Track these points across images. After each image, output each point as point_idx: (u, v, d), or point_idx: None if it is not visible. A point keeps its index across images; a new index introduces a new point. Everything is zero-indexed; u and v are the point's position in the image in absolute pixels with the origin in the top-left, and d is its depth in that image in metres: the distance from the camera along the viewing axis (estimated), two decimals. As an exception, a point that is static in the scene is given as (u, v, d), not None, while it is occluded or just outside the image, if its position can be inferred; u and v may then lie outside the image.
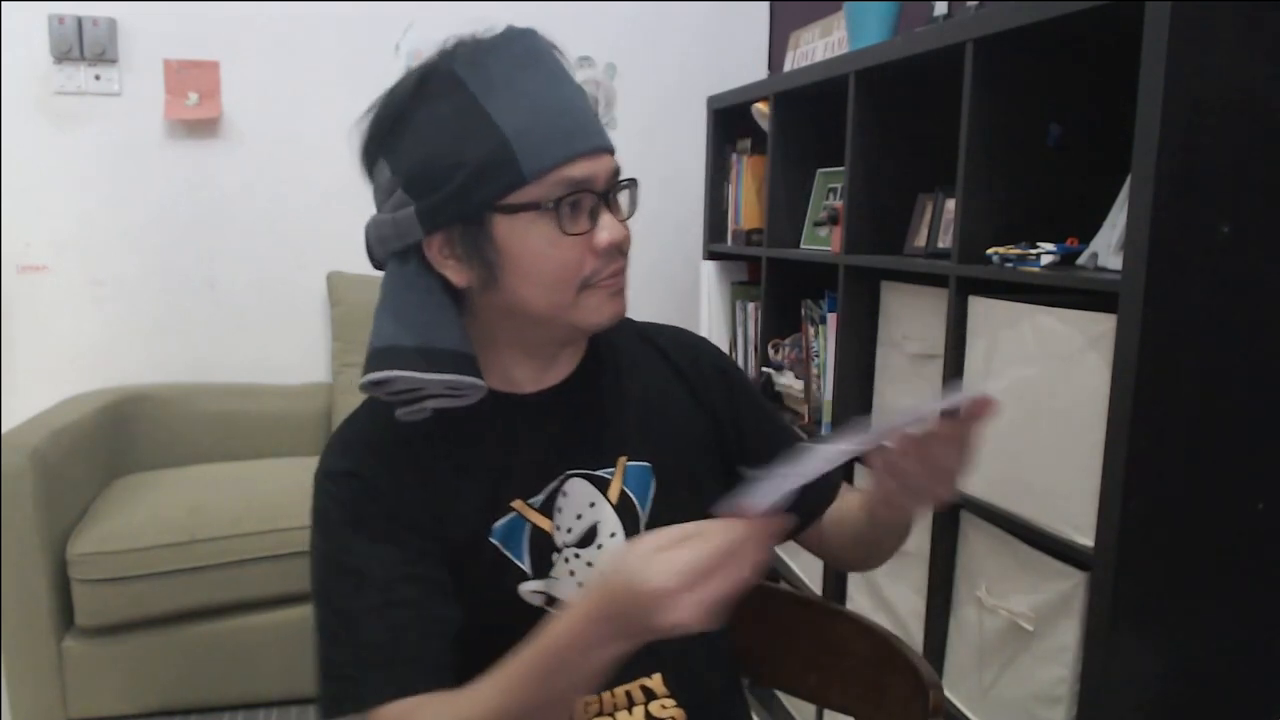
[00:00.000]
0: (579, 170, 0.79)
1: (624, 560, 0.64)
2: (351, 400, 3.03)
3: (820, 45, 2.41)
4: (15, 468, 1.90)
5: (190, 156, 2.67)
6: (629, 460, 0.91)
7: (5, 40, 2.50)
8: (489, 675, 0.74)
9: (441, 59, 0.80)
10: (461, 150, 0.78)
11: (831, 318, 1.93)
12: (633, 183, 0.86)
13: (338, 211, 2.77)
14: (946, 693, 1.51)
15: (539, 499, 0.88)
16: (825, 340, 2.00)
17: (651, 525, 0.90)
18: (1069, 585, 1.26)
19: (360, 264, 2.83)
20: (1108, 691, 1.17)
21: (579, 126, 0.80)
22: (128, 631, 2.05)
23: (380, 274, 0.88)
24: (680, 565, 0.61)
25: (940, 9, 1.81)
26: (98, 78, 2.57)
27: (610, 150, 0.83)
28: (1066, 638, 1.26)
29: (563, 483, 0.89)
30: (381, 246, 0.85)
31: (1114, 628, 1.15)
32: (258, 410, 2.64)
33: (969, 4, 1.66)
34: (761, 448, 1.00)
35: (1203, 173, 1.09)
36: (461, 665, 0.81)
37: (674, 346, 1.00)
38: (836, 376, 1.90)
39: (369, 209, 0.89)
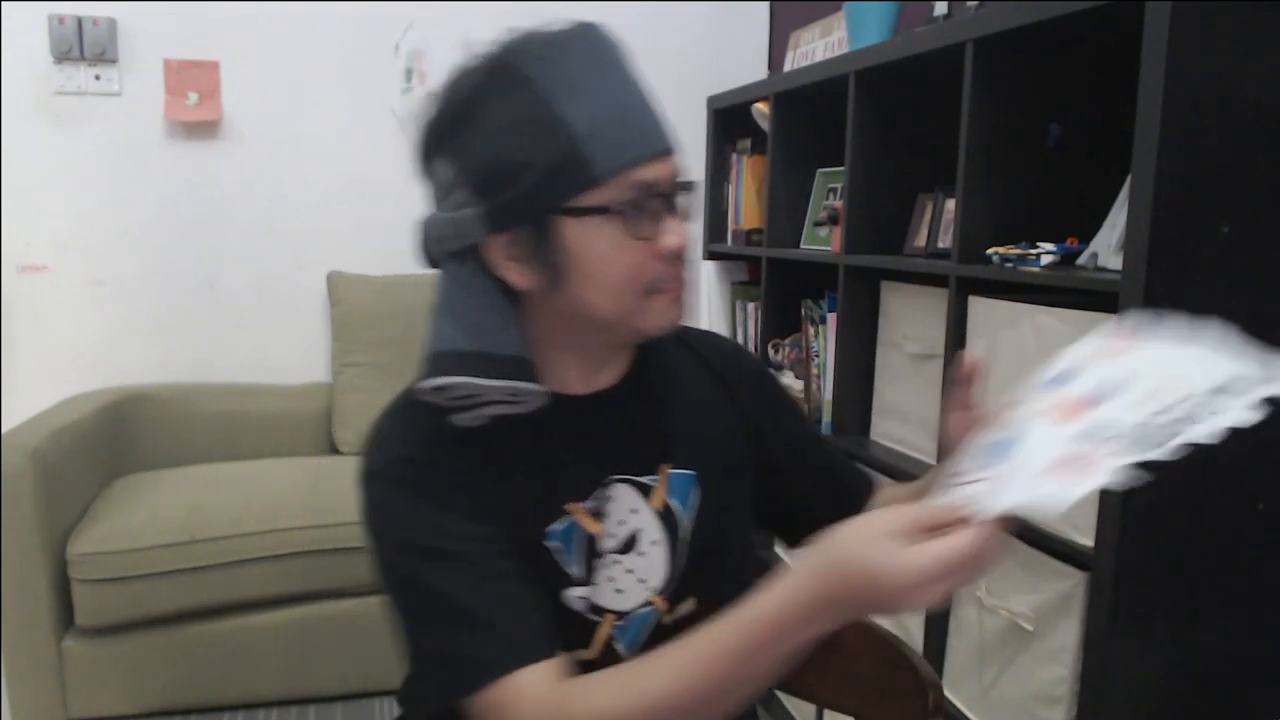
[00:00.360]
0: (648, 173, 0.77)
1: (861, 547, 0.62)
2: (352, 400, 3.02)
3: (820, 45, 2.41)
4: (15, 468, 1.90)
5: (190, 156, 2.67)
6: (672, 468, 0.90)
7: (5, 40, 2.50)
8: (670, 650, 0.71)
9: (507, 54, 0.78)
10: (529, 150, 0.75)
11: (831, 318, 1.93)
12: (692, 186, 0.84)
13: (338, 211, 2.78)
14: (946, 693, 1.51)
15: (588, 503, 0.86)
16: (825, 340, 2.00)
17: (695, 535, 0.89)
18: (1069, 585, 1.26)
19: (360, 264, 2.82)
20: (1107, 691, 1.17)
21: (649, 127, 0.79)
22: (128, 631, 2.05)
23: (409, 270, 0.88)
24: (930, 560, 0.59)
25: (940, 9, 1.81)
26: (98, 78, 2.57)
27: (675, 152, 0.81)
28: (1066, 638, 1.26)
29: (608, 488, 0.87)
30: (438, 246, 0.83)
31: (1114, 628, 1.15)
32: (258, 410, 2.64)
33: (969, 4, 1.66)
34: (797, 456, 1.00)
35: (1203, 172, 1.09)
36: None
37: (713, 352, 0.99)
38: (836, 376, 1.90)
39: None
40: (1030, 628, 1.32)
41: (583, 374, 0.88)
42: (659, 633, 0.86)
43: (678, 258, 0.81)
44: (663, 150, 0.79)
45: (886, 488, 1.05)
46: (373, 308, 2.67)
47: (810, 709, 1.13)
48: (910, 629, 1.64)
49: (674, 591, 0.88)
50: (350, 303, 2.69)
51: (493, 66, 0.78)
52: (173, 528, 2.05)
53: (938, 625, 1.54)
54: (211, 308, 2.74)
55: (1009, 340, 1.37)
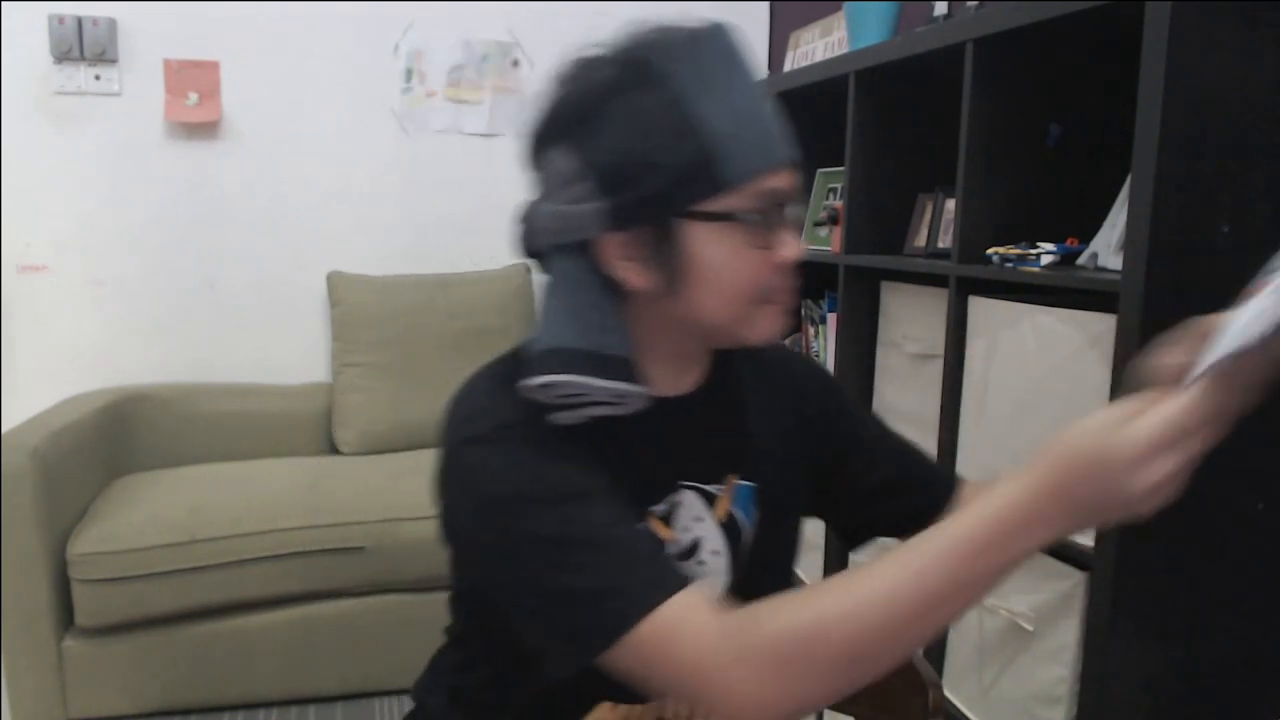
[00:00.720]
0: (774, 182, 0.77)
1: (1085, 434, 0.61)
2: (351, 400, 3.00)
3: (820, 45, 2.41)
4: (15, 468, 1.90)
5: (190, 156, 2.67)
6: (739, 479, 0.89)
7: (5, 40, 2.50)
8: (885, 557, 0.65)
9: (643, 48, 0.76)
10: (662, 150, 0.73)
11: (831, 318, 1.93)
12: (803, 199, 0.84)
13: (338, 212, 2.78)
14: (946, 692, 1.50)
15: (660, 508, 0.85)
16: (825, 340, 2.00)
17: (756, 548, 0.88)
18: (1069, 585, 1.26)
19: (360, 264, 2.82)
20: (1107, 691, 1.17)
21: (777, 135, 0.77)
22: (128, 631, 2.05)
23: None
24: (1153, 426, 0.58)
25: (940, 9, 1.81)
26: (98, 78, 2.57)
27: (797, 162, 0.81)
28: (1066, 637, 1.26)
29: (677, 494, 0.86)
30: (546, 237, 0.80)
31: (1114, 628, 1.15)
32: (258, 410, 2.64)
33: (969, 4, 1.66)
34: (867, 460, 0.98)
35: (1203, 172, 1.09)
36: (537, 683, 0.78)
37: (777, 360, 0.98)
38: (836, 376, 1.90)
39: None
40: (1030, 627, 1.32)
41: (669, 377, 0.86)
42: None
43: (790, 269, 0.81)
44: (788, 160, 0.78)
45: (970, 484, 1.01)
46: (372, 308, 2.67)
47: (810, 709, 1.13)
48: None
49: (734, 597, 0.85)
50: (350, 303, 2.69)
51: (627, 60, 0.75)
52: (173, 528, 2.05)
53: (938, 625, 1.54)
54: (211, 308, 2.74)
55: (1009, 340, 1.37)
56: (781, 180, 0.77)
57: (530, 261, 0.84)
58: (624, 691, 0.77)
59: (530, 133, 0.80)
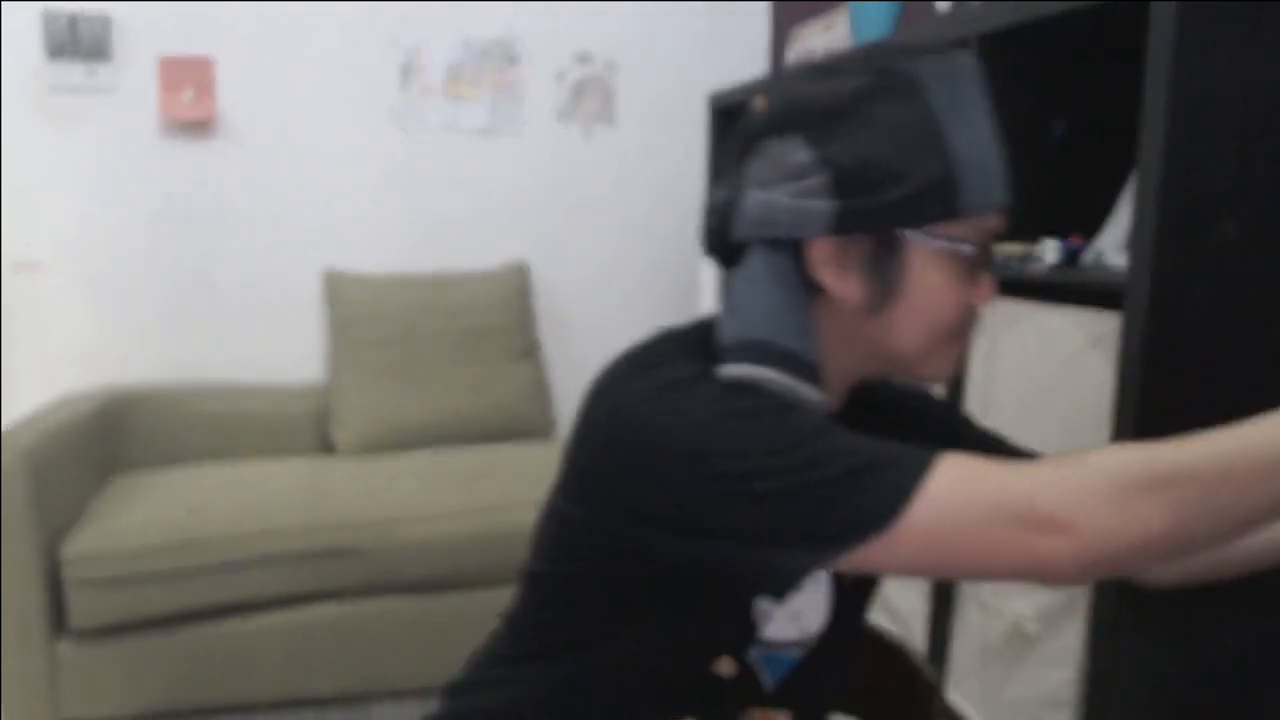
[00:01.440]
0: (995, 222, 0.76)
1: None
2: (348, 400, 2.98)
3: (822, 41, 2.39)
4: (8, 468, 1.89)
5: (186, 154, 2.66)
6: None
7: (2, 37, 2.49)
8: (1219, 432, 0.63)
9: (902, 60, 0.74)
10: (910, 163, 0.72)
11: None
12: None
13: (335, 209, 2.77)
14: (951, 696, 1.49)
15: None
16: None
17: (856, 579, 0.87)
18: (1073, 588, 1.24)
19: (357, 263, 2.80)
20: (1112, 694, 1.16)
21: (1006, 176, 0.76)
22: (122, 634, 2.04)
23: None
24: None
25: (943, 6, 1.79)
26: (92, 74, 2.55)
27: None
28: (1070, 640, 1.25)
29: None
30: (753, 228, 0.77)
31: (1118, 630, 1.14)
32: (255, 410, 2.63)
33: (972, 0, 1.65)
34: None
35: (1208, 170, 1.07)
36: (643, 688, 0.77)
37: (891, 393, 0.95)
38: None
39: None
40: (1034, 630, 1.31)
41: (831, 394, 0.82)
42: (802, 669, 0.85)
43: (980, 312, 0.80)
44: (1008, 204, 0.77)
45: None
46: (369, 307, 2.66)
47: (811, 713, 1.12)
48: (914, 632, 1.63)
49: (827, 634, 0.85)
50: (347, 302, 2.67)
51: (888, 69, 0.73)
52: (168, 529, 2.03)
53: (941, 628, 1.53)
54: (208, 306, 2.72)
55: (1011, 339, 1.35)
56: (999, 222, 0.77)
57: (711, 254, 0.81)
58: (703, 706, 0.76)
59: (757, 117, 0.77)
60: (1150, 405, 1.09)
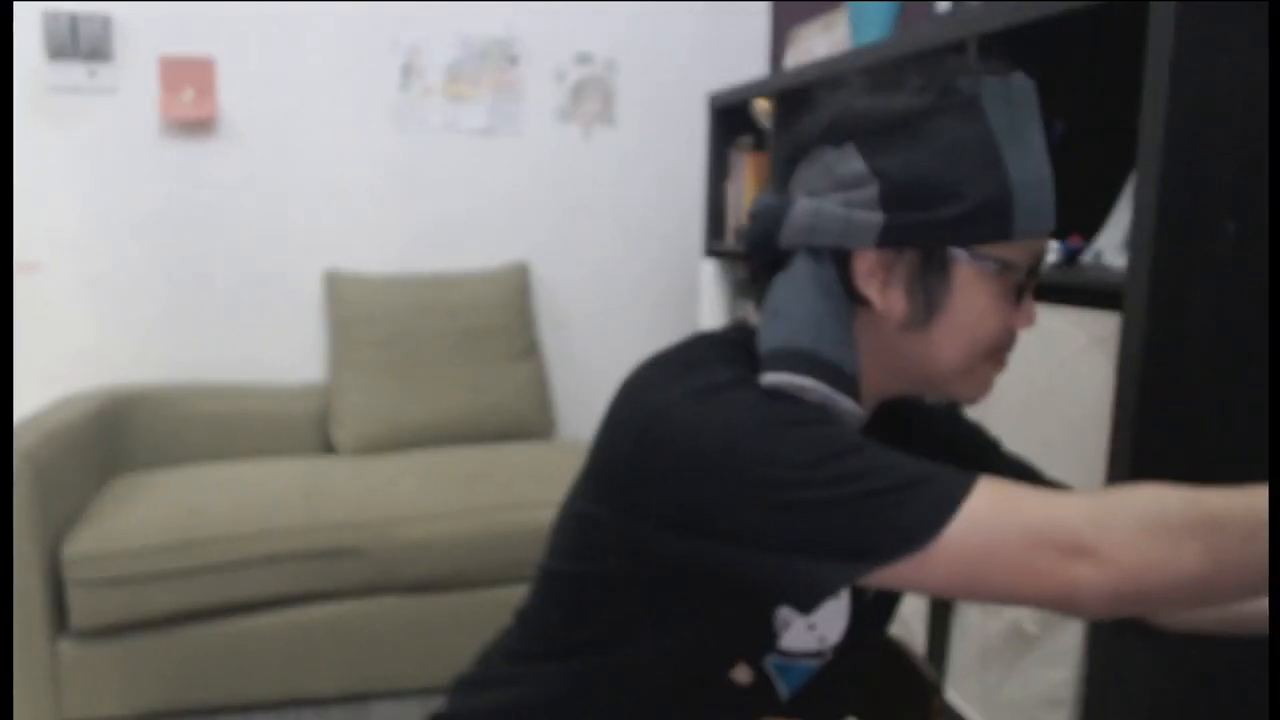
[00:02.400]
0: (1042, 245, 0.77)
1: None
2: (348, 400, 2.98)
3: (822, 42, 2.39)
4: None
5: (186, 154, 2.66)
6: None
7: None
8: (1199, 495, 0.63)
9: (966, 81, 0.74)
10: (965, 180, 0.72)
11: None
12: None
13: (335, 209, 2.77)
14: (950, 695, 1.49)
15: None
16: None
17: (877, 594, 0.86)
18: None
19: (357, 262, 2.80)
20: (1111, 694, 1.16)
21: (1054, 201, 0.77)
22: (123, 634, 2.04)
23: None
24: None
25: (943, 6, 1.79)
26: (92, 75, 2.55)
27: None
28: (1070, 640, 1.25)
29: None
30: (799, 236, 0.76)
31: (1117, 630, 1.14)
32: (254, 410, 2.63)
33: (971, 1, 1.65)
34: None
35: (1208, 170, 1.07)
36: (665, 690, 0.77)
37: (923, 412, 0.95)
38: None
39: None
40: (1034, 630, 1.31)
41: (863, 408, 0.82)
42: (818, 679, 0.84)
43: (1016, 335, 0.80)
44: (1053, 228, 0.78)
45: None
46: (370, 307, 2.66)
47: (811, 713, 1.12)
48: (913, 631, 1.63)
49: (844, 646, 0.85)
50: (347, 302, 2.67)
51: (949, 86, 0.73)
52: (168, 529, 2.03)
53: (940, 628, 1.53)
54: (208, 306, 2.72)
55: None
56: (1044, 247, 0.78)
57: (754, 258, 0.81)
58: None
59: (813, 124, 0.77)
60: (1150, 405, 1.09)
